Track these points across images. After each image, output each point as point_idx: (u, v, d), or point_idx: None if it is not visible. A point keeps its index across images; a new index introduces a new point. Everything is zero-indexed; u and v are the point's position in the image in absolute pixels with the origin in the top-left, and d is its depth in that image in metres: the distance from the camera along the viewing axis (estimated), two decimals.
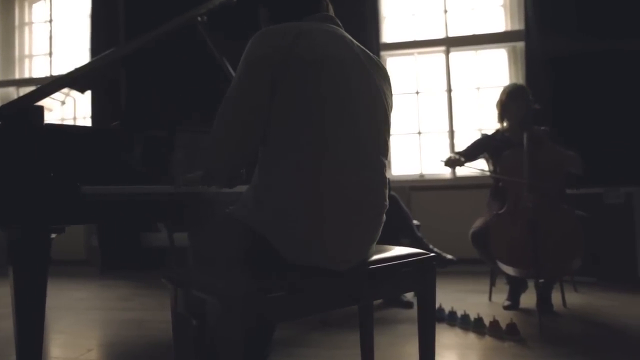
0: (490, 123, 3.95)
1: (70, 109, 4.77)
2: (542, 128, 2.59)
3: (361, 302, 1.42)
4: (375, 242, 1.24)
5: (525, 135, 2.47)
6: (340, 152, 1.09)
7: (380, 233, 1.24)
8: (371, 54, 1.27)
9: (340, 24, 1.27)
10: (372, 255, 1.25)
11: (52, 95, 1.93)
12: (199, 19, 2.20)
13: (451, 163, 2.65)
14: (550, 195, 2.38)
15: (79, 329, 2.33)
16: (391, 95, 1.30)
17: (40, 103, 1.64)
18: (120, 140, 1.40)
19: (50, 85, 1.66)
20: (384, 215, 1.24)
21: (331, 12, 1.31)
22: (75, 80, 1.77)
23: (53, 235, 1.32)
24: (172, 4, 2.91)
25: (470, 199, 3.60)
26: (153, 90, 3.24)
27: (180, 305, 1.18)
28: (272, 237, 1.10)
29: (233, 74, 2.23)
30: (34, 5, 5.09)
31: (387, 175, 1.26)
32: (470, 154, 2.72)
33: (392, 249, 1.38)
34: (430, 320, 1.32)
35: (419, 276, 1.32)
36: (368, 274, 1.19)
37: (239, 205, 1.21)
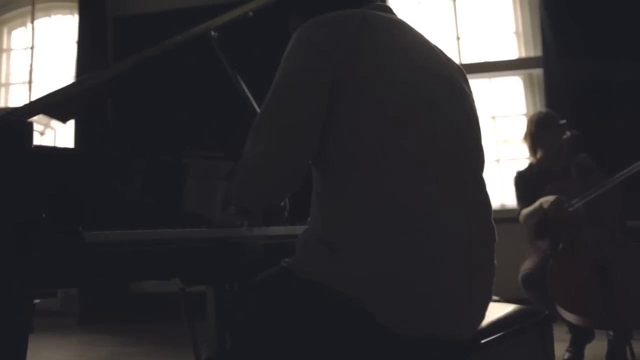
0: (507, 153, 3.75)
1: (49, 141, 4.38)
2: (584, 155, 2.35)
3: None
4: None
5: (572, 167, 2.23)
6: (441, 172, 0.81)
7: None
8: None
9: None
10: None
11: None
12: (212, 33, 1.91)
13: (562, 216, 2.08)
14: (613, 229, 2.10)
15: None
16: None
17: None
18: (136, 169, 1.06)
19: (27, 106, 1.31)
20: None
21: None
22: (56, 106, 1.45)
23: (36, 301, 0.95)
24: (166, 31, 2.64)
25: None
26: (148, 116, 2.92)
27: None
28: (363, 297, 0.77)
29: (249, 96, 1.93)
30: (14, 32, 4.77)
31: None
32: (529, 200, 2.31)
33: None
34: None
35: (538, 344, 1.00)
36: (484, 344, 0.87)
37: (301, 255, 0.87)
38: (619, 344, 2.07)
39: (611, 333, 2.00)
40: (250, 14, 2.04)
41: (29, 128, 0.87)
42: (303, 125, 0.80)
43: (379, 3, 0.99)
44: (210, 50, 1.90)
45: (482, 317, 0.86)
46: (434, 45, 0.96)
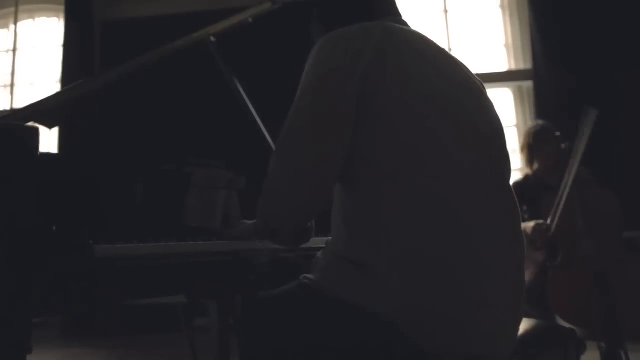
0: None
1: None
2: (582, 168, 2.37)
3: None
4: None
5: (569, 177, 2.24)
6: (474, 185, 0.78)
7: None
8: None
9: None
10: None
11: None
12: (212, 39, 1.87)
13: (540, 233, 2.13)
14: (611, 240, 2.12)
15: None
16: None
17: None
18: (137, 179, 1.00)
19: (22, 111, 1.26)
20: None
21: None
22: (48, 112, 1.40)
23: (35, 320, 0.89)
24: (155, 37, 2.58)
25: None
26: (141, 123, 2.84)
27: None
28: (397, 315, 0.73)
29: (249, 105, 1.88)
30: None
31: None
32: (524, 212, 2.33)
33: None
34: None
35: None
36: None
37: (324, 273, 0.83)
38: (612, 355, 2.07)
39: (603, 345, 2.00)
40: (250, 20, 2.01)
41: (35, 134, 0.81)
42: (332, 141, 0.78)
43: (397, 17, 0.98)
44: (209, 56, 1.86)
45: (517, 335, 0.84)
46: (455, 57, 0.94)
